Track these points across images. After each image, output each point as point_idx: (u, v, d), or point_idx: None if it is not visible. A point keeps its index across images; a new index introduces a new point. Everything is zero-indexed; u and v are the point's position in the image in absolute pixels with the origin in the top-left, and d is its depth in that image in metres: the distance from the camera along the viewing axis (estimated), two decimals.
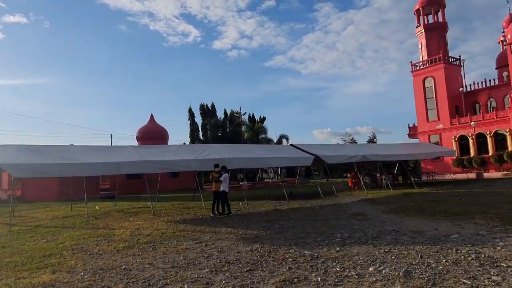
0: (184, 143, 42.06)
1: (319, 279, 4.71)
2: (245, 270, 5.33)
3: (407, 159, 24.96)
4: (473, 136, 34.68)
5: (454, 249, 5.90)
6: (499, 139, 33.33)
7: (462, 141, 35.96)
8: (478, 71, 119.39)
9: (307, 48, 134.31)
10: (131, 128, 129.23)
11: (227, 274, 5.18)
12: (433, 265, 5.10)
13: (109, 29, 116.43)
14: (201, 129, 49.34)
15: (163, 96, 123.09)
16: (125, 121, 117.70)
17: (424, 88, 38.98)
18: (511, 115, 29.25)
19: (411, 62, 40.30)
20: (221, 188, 12.65)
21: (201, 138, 48.62)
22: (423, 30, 39.15)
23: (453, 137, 36.39)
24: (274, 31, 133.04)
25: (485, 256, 5.42)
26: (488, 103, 37.29)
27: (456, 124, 36.21)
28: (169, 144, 37.45)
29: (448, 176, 30.89)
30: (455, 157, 33.68)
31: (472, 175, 28.05)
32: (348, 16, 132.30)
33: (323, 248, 6.56)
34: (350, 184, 23.76)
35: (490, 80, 37.55)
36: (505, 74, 36.72)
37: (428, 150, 25.29)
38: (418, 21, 40.23)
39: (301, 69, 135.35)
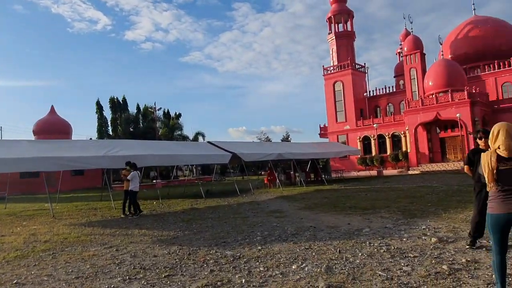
0: (91, 139, 38.91)
1: (243, 280, 4.50)
2: (163, 276, 4.89)
3: (319, 157, 26.36)
4: (375, 137, 38.17)
5: (368, 243, 6.20)
6: (396, 140, 37.22)
7: (366, 141, 39.35)
8: (377, 79, 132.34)
9: (224, 46, 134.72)
10: (28, 121, 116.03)
11: (142, 281, 4.69)
12: (351, 259, 5.25)
13: (0, 9, 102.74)
14: (111, 123, 46.18)
15: (67, 87, 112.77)
16: (20, 114, 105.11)
17: (334, 91, 41.75)
18: (406, 119, 32.78)
19: (323, 66, 42.90)
20: (129, 187, 11.81)
21: (111, 133, 45.52)
22: (334, 37, 41.89)
23: (358, 138, 39.62)
24: (191, 26, 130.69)
25: (394, 248, 5.77)
26: (387, 107, 41.44)
27: (360, 126, 39.49)
28: (73, 139, 34.23)
29: (353, 173, 33.47)
30: (359, 156, 36.67)
31: (373, 173, 30.78)
32: (265, 18, 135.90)
33: (245, 247, 6.40)
34: (265, 182, 24.26)
35: (389, 87, 41.76)
36: (401, 82, 41.14)
37: (337, 149, 27.06)
38: (330, 28, 42.94)
39: (218, 67, 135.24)
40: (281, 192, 19.34)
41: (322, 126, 45.05)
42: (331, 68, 42.31)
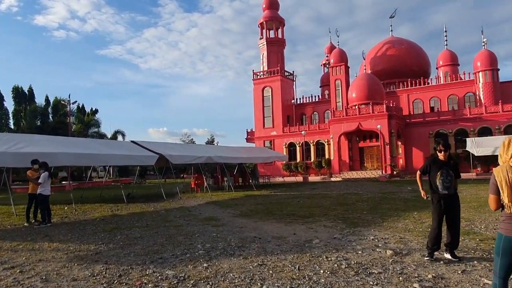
0: None
1: None
2: None
3: (248, 162, 26.00)
4: (301, 144, 39.17)
5: (324, 256, 5.70)
6: (320, 148, 38.61)
7: (291, 148, 40.19)
8: (299, 88, 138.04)
9: (148, 43, 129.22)
10: None
11: None
12: (314, 278, 4.67)
13: None
14: (13, 116, 40.72)
15: None
16: None
17: (263, 96, 42.04)
18: (331, 128, 34.15)
19: (253, 70, 43.00)
20: (38, 191, 9.99)
21: (12, 127, 40.10)
22: (265, 43, 42.25)
23: (284, 144, 40.29)
24: (112, 18, 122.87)
25: (354, 262, 5.34)
26: (313, 116, 42.93)
27: (287, 132, 40.25)
28: None
29: (280, 179, 33.83)
30: (284, 161, 37.26)
31: (299, 179, 31.39)
32: (192, 18, 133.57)
33: (188, 264, 5.46)
34: (192, 186, 23.11)
35: (315, 96, 43.33)
36: (326, 92, 42.97)
37: (266, 154, 26.97)
38: (261, 34, 43.25)
39: (140, 63, 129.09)
40: (210, 197, 18.46)
41: (249, 130, 45.05)
42: (261, 73, 42.59)
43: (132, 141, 20.12)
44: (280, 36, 43.24)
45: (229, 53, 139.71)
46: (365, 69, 35.25)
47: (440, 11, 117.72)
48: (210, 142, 69.90)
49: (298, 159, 38.99)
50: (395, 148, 31.54)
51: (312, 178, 33.29)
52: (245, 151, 26.05)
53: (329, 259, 5.58)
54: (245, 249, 6.43)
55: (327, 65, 47.42)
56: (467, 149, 25.34)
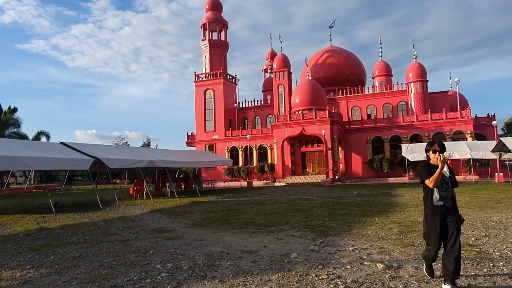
0: None
1: None
2: None
3: (192, 166, 24.71)
4: (243, 148, 38.57)
5: (313, 275, 4.95)
6: (262, 152, 38.35)
7: (233, 152, 39.41)
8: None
9: (76, 39, 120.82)
10: None
11: None
12: None
13: None
14: None
15: None
16: None
17: (205, 99, 40.80)
18: (274, 133, 34.01)
19: (195, 72, 41.57)
20: None
21: None
22: (207, 45, 41.14)
23: (226, 148, 39.39)
24: (35, 10, 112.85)
25: (351, 281, 4.66)
26: (255, 120, 42.63)
27: (229, 136, 39.41)
28: None
29: (223, 184, 32.83)
30: (226, 166, 36.37)
31: (244, 183, 30.67)
32: (126, 16, 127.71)
33: None
34: (131, 192, 21.24)
35: (257, 101, 43.10)
36: (269, 97, 42.97)
37: (210, 159, 25.88)
38: (204, 35, 42.07)
39: (67, 61, 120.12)
40: (153, 204, 16.97)
41: (190, 134, 43.43)
42: (203, 75, 41.34)
43: (62, 143, 17.85)
44: (223, 38, 42.44)
45: (165, 55, 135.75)
46: (308, 75, 35.81)
47: (367, 27, 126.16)
48: (147, 145, 66.61)
49: (241, 164, 38.35)
50: (337, 153, 32.31)
51: (255, 183, 32.79)
52: (188, 155, 24.71)
53: (320, 277, 4.84)
54: (216, 268, 5.45)
55: (269, 71, 47.61)
56: (403, 154, 26.59)
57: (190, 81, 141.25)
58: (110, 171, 19.57)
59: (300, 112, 33.03)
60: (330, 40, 44.47)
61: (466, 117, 30.62)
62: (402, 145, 28.15)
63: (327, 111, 31.44)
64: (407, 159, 26.00)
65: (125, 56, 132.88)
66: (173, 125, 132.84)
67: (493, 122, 25.90)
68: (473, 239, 7.32)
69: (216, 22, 41.72)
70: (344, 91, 38.82)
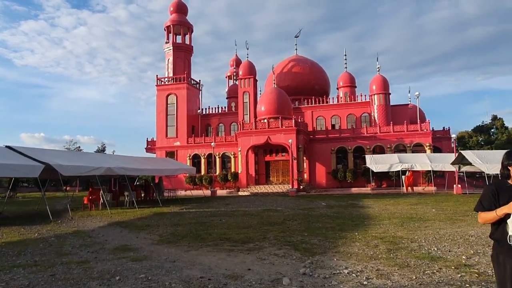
0: None
1: None
2: None
3: (154, 174, 23.35)
4: (205, 156, 37.45)
5: None
6: (225, 160, 37.45)
7: (195, 160, 38.16)
8: None
9: (26, 36, 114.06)
10: None
11: None
12: None
13: None
14: None
15: None
16: None
17: (167, 104, 39.32)
18: (239, 141, 33.28)
19: (157, 76, 40.04)
20: None
21: None
22: (171, 47, 39.81)
23: (188, 155, 38.06)
24: None
25: None
26: (219, 127, 41.69)
27: (192, 143, 38.15)
28: None
29: (184, 193, 31.51)
30: (188, 174, 35.05)
31: (207, 192, 29.58)
32: (81, 15, 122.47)
33: None
34: (86, 202, 19.55)
35: (221, 108, 42.24)
36: (233, 104, 42.24)
37: (173, 166, 24.63)
38: (168, 38, 40.72)
39: (14, 58, 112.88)
40: (110, 215, 15.61)
41: (149, 140, 41.62)
42: (166, 79, 39.87)
43: (8, 147, 16.00)
44: (188, 42, 41.29)
45: (123, 58, 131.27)
46: (274, 83, 35.56)
47: (326, 39, 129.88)
48: (101, 150, 63.30)
49: (203, 172, 37.17)
50: (302, 163, 32.15)
51: (219, 192, 31.79)
52: (150, 162, 23.34)
53: None
54: None
55: (234, 77, 47.02)
56: (367, 165, 26.88)
57: (149, 85, 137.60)
58: (61, 178, 17.83)
59: (266, 120, 32.61)
60: (296, 49, 44.76)
61: (425, 130, 31.74)
62: (366, 156, 28.49)
63: (293, 120, 31.27)
64: (371, 169, 26.29)
65: (79, 57, 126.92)
66: (130, 130, 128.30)
67: (452, 136, 26.99)
68: (464, 257, 6.99)
69: (181, 25, 40.55)
70: (309, 100, 39.02)
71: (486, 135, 57.73)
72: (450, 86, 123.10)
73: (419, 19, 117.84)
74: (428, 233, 9.88)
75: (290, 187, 29.59)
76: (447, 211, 15.45)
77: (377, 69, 36.99)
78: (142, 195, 24.34)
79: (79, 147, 65.26)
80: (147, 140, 41.45)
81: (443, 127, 37.92)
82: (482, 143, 56.26)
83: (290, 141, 29.85)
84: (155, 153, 39.91)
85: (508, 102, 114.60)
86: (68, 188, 41.46)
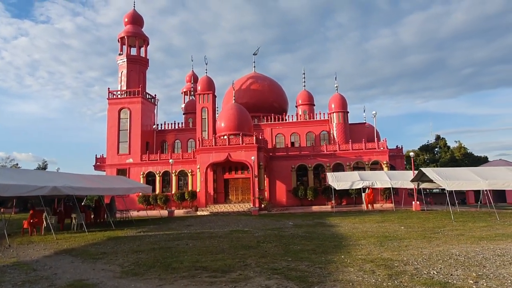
0: None
1: None
2: None
3: (106, 193, 21.31)
4: (160, 174, 35.48)
5: None
6: (182, 178, 35.70)
7: (150, 178, 36.02)
8: None
9: None
10: None
11: None
12: None
13: None
14: None
15: None
16: None
17: (119, 119, 37.02)
18: (198, 158, 31.87)
19: (108, 89, 37.73)
20: None
21: None
22: (125, 60, 37.88)
23: (141, 173, 35.85)
24: None
25: None
26: (175, 144, 39.93)
27: (146, 160, 36.04)
28: None
29: (137, 213, 29.33)
30: (141, 193, 32.87)
31: (164, 213, 27.69)
32: (23, 25, 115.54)
33: None
34: (26, 226, 17.15)
35: (178, 123, 40.62)
36: (190, 120, 40.82)
37: (127, 185, 22.70)
38: (121, 50, 38.76)
39: None
40: (56, 241, 13.68)
41: (99, 157, 38.79)
42: (119, 92, 37.63)
43: None
44: (143, 55, 39.51)
45: (67, 71, 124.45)
46: (234, 99, 34.81)
47: (278, 60, 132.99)
48: (43, 168, 58.31)
49: (158, 191, 35.06)
50: (263, 181, 31.36)
51: (176, 212, 29.96)
52: (101, 181, 21.28)
53: None
54: None
55: (192, 93, 45.80)
56: (329, 183, 26.72)
57: (95, 100, 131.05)
58: None
59: (226, 137, 31.59)
60: (254, 66, 44.65)
61: (382, 148, 32.49)
62: (327, 173, 28.39)
63: (254, 137, 30.57)
64: (333, 187, 26.14)
65: (19, 69, 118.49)
66: (75, 147, 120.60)
67: (411, 154, 27.71)
68: (470, 281, 6.46)
69: (136, 36, 38.79)
70: (268, 118, 38.71)
71: (431, 154, 61.03)
72: (392, 108, 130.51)
73: (364, 45, 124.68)
74: (413, 253, 9.44)
75: (251, 206, 28.60)
76: (416, 228, 15.35)
77: (335, 88, 37.72)
78: (92, 216, 22.09)
79: (17, 164, 59.69)
80: (96, 157, 38.60)
81: (396, 146, 39.28)
82: (428, 161, 59.32)
83: (253, 158, 29.04)
84: (104, 170, 37.16)
85: (444, 124, 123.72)
86: (2, 210, 37.15)
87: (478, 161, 54.71)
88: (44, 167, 59.95)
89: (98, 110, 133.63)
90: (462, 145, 59.86)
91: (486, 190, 23.52)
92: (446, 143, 61.13)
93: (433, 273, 7.11)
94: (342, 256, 9.05)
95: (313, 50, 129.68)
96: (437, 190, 38.49)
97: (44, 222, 17.52)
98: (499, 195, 39.56)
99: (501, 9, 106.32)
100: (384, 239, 12.27)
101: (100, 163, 38.22)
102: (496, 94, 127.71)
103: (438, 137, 62.66)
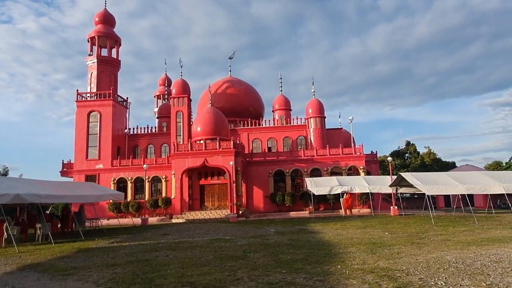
0: None
1: None
2: None
3: (76, 201, 19.92)
4: (133, 180, 34.01)
5: None
6: (155, 184, 34.38)
7: (121, 184, 34.45)
8: None
9: None
10: None
11: None
12: None
13: None
14: None
15: None
16: None
17: (88, 122, 35.29)
18: (173, 163, 30.75)
19: (77, 90, 35.91)
20: None
21: None
22: (96, 61, 36.26)
23: (112, 179, 34.23)
24: None
25: None
26: (148, 148, 38.52)
27: (117, 166, 34.48)
28: None
29: (107, 222, 27.83)
30: (111, 200, 31.31)
31: (137, 221, 26.37)
32: None
33: None
34: None
35: (151, 128, 39.26)
36: (164, 124, 39.56)
37: (98, 192, 21.35)
38: (91, 50, 37.11)
39: None
40: (19, 255, 12.41)
41: (66, 162, 36.76)
42: (88, 95, 35.88)
43: None
44: (115, 56, 37.97)
45: (31, 73, 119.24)
46: (210, 102, 33.98)
47: (251, 66, 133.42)
48: (3, 174, 54.93)
49: (130, 198, 33.55)
50: (240, 187, 30.63)
51: (149, 219, 28.64)
52: (70, 187, 19.88)
53: None
54: None
55: (166, 96, 44.56)
56: (308, 188, 26.37)
57: (61, 104, 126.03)
58: None
59: (202, 141, 30.68)
60: (230, 70, 44.00)
61: (359, 153, 32.61)
62: (306, 179, 28.05)
63: (231, 142, 29.85)
64: (312, 192, 25.81)
65: None
66: (40, 152, 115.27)
67: (389, 159, 27.95)
68: None
69: (108, 37, 37.25)
70: (245, 122, 38.13)
71: (401, 159, 62.47)
72: (362, 115, 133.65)
73: (335, 53, 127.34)
74: (409, 261, 9.06)
75: (228, 213, 27.80)
76: (400, 234, 15.14)
77: (312, 93, 37.70)
78: (59, 226, 20.57)
79: None
80: (62, 162, 36.56)
81: (371, 151, 39.67)
82: (399, 166, 60.64)
83: (231, 163, 28.30)
84: (72, 177, 35.23)
85: (411, 130, 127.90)
86: None
87: (447, 166, 56.47)
88: (5, 174, 56.55)
89: (64, 114, 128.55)
90: (432, 151, 61.70)
91: (459, 195, 23.91)
92: (416, 149, 62.80)
93: (441, 283, 6.67)
94: (339, 266, 8.51)
95: (285, 57, 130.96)
96: (408, 194, 39.18)
97: (5, 233, 15.98)
98: (468, 199, 40.71)
99: (460, 23, 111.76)
100: (373, 246, 11.90)
101: (67, 169, 36.22)
102: (458, 102, 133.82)
103: (408, 143, 64.30)
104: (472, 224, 17.99)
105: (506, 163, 59.40)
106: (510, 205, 21.71)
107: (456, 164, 58.13)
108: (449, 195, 37.57)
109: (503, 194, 19.17)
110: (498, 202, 37.76)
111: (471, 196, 41.81)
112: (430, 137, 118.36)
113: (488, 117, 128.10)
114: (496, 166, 58.92)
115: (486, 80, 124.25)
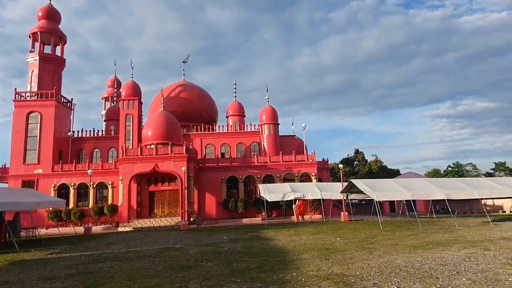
0: None
1: None
2: None
3: (11, 208, 18.13)
4: (75, 186, 31.93)
5: None
6: (101, 191, 32.54)
7: (62, 191, 32.19)
8: None
9: None
10: None
11: None
12: None
13: None
14: None
15: None
16: None
17: (27, 124, 32.71)
18: (121, 168, 29.27)
19: (15, 89, 33.24)
20: None
21: None
22: (37, 58, 33.83)
23: (53, 185, 31.90)
24: None
25: None
26: (94, 153, 36.46)
27: (58, 171, 32.20)
28: None
29: (46, 231, 25.78)
30: (51, 208, 29.15)
31: (79, 230, 24.63)
32: None
33: None
34: None
35: (97, 131, 37.24)
36: (112, 127, 37.71)
37: (36, 199, 19.65)
38: (33, 46, 34.59)
39: None
40: None
41: (0, 166, 33.72)
42: (28, 94, 33.27)
43: None
44: (59, 54, 35.62)
45: None
46: (162, 106, 32.92)
47: (204, 72, 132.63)
48: None
49: (72, 205, 31.40)
50: (192, 193, 29.82)
51: (94, 228, 26.95)
52: (3, 193, 18.10)
53: None
54: None
55: (114, 99, 42.62)
56: (261, 194, 26.28)
57: None
58: None
59: (153, 146, 29.56)
60: (184, 74, 43.12)
61: (311, 160, 33.21)
62: (259, 185, 27.96)
63: (184, 147, 29.05)
64: (265, 199, 25.76)
65: None
66: None
67: (340, 166, 28.60)
68: None
69: (51, 33, 34.90)
70: (198, 127, 37.42)
71: (350, 167, 64.75)
72: (313, 123, 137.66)
73: (288, 62, 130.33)
74: (362, 266, 9.15)
75: (179, 220, 26.94)
76: (351, 239, 15.44)
77: (267, 100, 37.93)
78: None
79: None
80: None
81: (323, 158, 40.64)
82: (348, 173, 62.78)
83: (183, 169, 27.45)
84: (7, 182, 32.34)
85: (358, 139, 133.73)
86: None
87: (392, 173, 59.38)
88: None
89: (1, 115, 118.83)
90: (378, 159, 64.60)
91: (404, 200, 25.05)
92: (364, 157, 65.46)
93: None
94: (294, 274, 8.36)
95: (240, 64, 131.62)
96: (356, 200, 40.56)
97: None
98: (411, 204, 43.03)
99: (404, 40, 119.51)
100: (326, 251, 11.96)
101: (1, 174, 33.23)
102: (401, 113, 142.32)
103: (357, 151, 66.87)
104: (416, 228, 18.82)
105: (444, 171, 63.71)
106: (449, 210, 23.09)
107: (400, 172, 61.34)
108: (394, 201, 39.39)
109: (444, 199, 20.30)
110: (437, 207, 40.21)
111: (414, 202, 44.32)
112: (376, 145, 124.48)
113: (427, 127, 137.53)
114: (435, 173, 62.99)
115: (426, 94, 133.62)
